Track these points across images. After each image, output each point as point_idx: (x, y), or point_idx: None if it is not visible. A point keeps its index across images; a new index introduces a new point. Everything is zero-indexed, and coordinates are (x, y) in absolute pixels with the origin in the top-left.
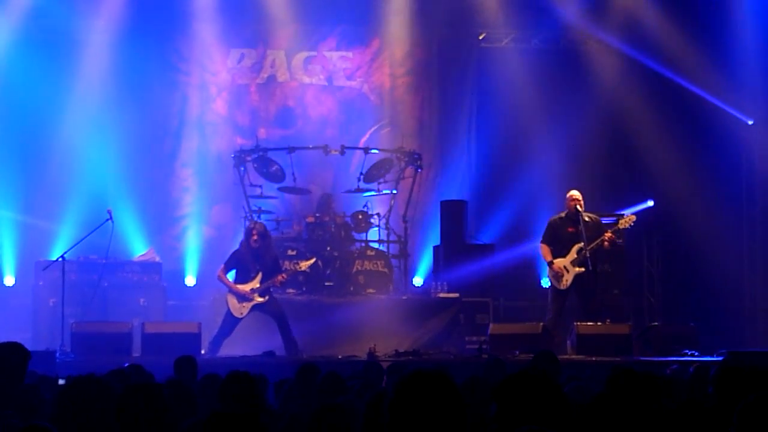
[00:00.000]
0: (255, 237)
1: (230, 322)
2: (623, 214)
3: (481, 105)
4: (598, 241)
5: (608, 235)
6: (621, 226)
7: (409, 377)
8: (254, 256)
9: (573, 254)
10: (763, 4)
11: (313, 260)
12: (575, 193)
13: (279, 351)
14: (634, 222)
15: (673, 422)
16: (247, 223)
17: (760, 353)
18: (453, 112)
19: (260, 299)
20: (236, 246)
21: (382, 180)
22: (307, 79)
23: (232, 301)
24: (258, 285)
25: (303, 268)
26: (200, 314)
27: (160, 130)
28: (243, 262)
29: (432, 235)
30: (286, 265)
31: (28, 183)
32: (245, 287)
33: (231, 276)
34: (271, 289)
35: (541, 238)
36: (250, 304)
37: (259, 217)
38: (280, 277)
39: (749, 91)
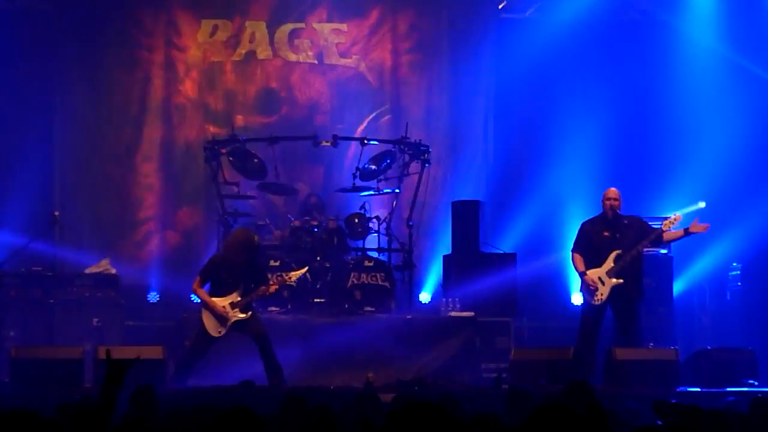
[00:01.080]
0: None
1: (204, 343)
2: (669, 217)
3: (501, 88)
4: (640, 245)
5: (667, 225)
6: (665, 227)
7: (400, 411)
8: (236, 264)
9: (610, 263)
10: None
11: (304, 270)
12: (612, 192)
13: (259, 380)
14: (680, 222)
15: None
16: (248, 233)
17: None
18: (467, 96)
19: (241, 315)
20: (213, 252)
21: (382, 177)
22: (292, 57)
23: (208, 318)
24: (239, 299)
25: (292, 281)
26: (165, 337)
27: (117, 117)
28: (221, 271)
29: (442, 242)
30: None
31: None
32: (223, 301)
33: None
34: (254, 305)
35: (572, 246)
36: (229, 322)
37: (235, 221)
38: (270, 288)
39: None
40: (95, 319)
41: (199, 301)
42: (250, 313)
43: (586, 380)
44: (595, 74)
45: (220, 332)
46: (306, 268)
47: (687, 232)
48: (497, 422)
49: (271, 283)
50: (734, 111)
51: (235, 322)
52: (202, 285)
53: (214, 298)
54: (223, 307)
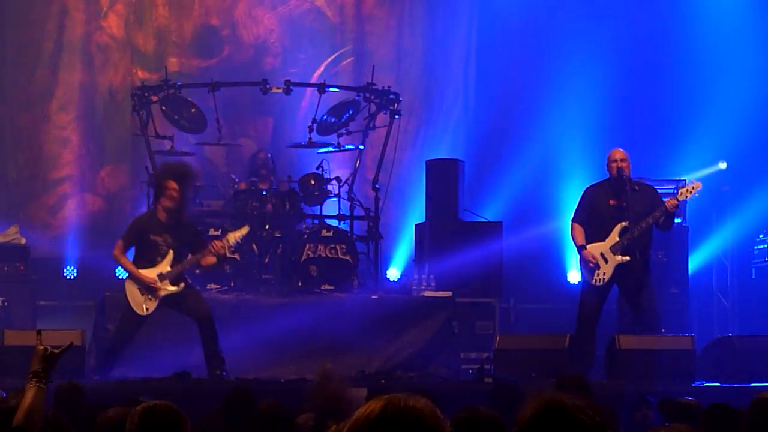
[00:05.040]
0: (171, 194)
1: (130, 324)
2: (685, 181)
3: (485, 26)
4: (650, 217)
5: (670, 202)
6: (682, 197)
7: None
8: (164, 226)
9: (614, 237)
10: None
11: (245, 229)
12: (619, 153)
13: (198, 371)
14: (700, 191)
15: None
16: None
17: None
18: (444, 36)
19: (171, 288)
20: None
21: (343, 131)
22: None
23: (133, 293)
24: (168, 268)
25: (231, 243)
26: (85, 319)
27: (27, 58)
28: (147, 236)
29: (414, 208)
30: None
31: None
32: (151, 272)
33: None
34: (190, 279)
35: (572, 215)
36: (157, 296)
37: None
38: (207, 256)
39: None
40: (1, 299)
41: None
42: (182, 285)
43: (584, 373)
44: (596, 13)
45: (147, 309)
46: (247, 227)
47: (677, 200)
48: (482, 419)
49: (209, 248)
50: (760, 55)
51: (165, 297)
52: (124, 251)
53: (141, 270)
54: (152, 278)
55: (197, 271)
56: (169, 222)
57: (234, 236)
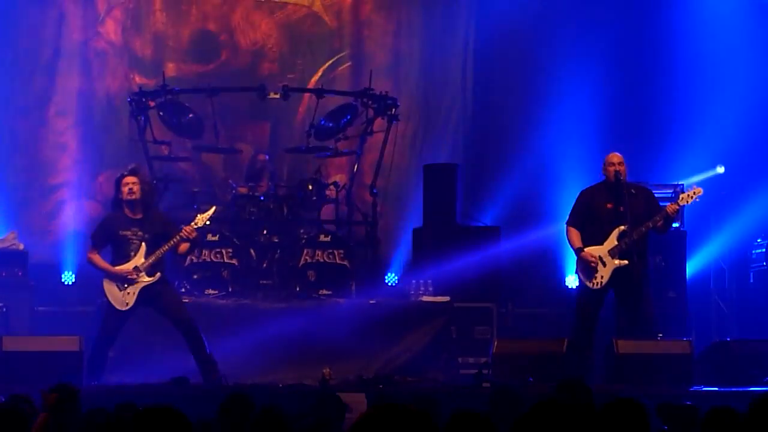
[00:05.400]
0: (130, 188)
1: (113, 322)
2: (682, 186)
3: (482, 30)
4: (650, 221)
5: (672, 207)
6: (683, 202)
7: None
8: (131, 220)
9: (612, 240)
10: None
11: (212, 209)
12: (616, 156)
13: (195, 376)
14: (701, 196)
15: None
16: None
17: None
18: (442, 41)
19: (148, 279)
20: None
21: (341, 136)
22: None
23: (111, 290)
24: (142, 260)
25: (199, 224)
26: (83, 325)
27: (25, 64)
28: (116, 233)
29: (412, 213)
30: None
31: None
32: (127, 267)
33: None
34: (182, 281)
35: (567, 218)
36: (136, 288)
37: (166, 187)
38: (180, 238)
39: None
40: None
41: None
42: (158, 275)
43: (582, 377)
44: (594, 18)
45: (127, 304)
46: (214, 207)
47: (678, 205)
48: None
49: (179, 234)
50: (759, 58)
51: (144, 292)
52: (98, 251)
53: (117, 266)
54: (127, 269)
55: (195, 276)
56: (136, 214)
57: (202, 218)
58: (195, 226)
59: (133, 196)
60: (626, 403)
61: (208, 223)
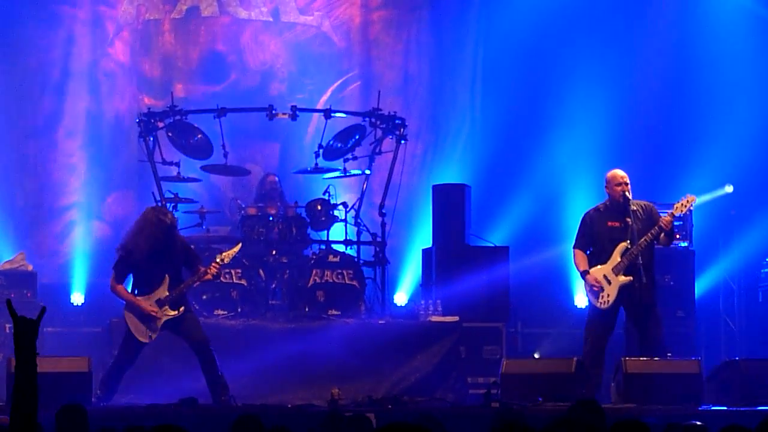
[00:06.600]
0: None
1: (132, 349)
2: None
3: (491, 51)
4: (648, 234)
5: (666, 219)
6: (677, 212)
7: None
8: (153, 251)
9: (616, 258)
10: None
11: (238, 247)
12: (619, 174)
13: (204, 397)
14: (694, 205)
15: None
16: (158, 214)
17: None
18: (450, 61)
19: (172, 313)
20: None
21: (350, 156)
22: (243, 13)
23: (133, 321)
24: (166, 293)
25: (225, 261)
26: (91, 346)
27: (34, 85)
28: (138, 264)
29: (421, 233)
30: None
31: None
32: (149, 299)
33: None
34: (191, 301)
35: (573, 242)
36: (159, 323)
37: (175, 208)
38: (209, 270)
39: None
40: (7, 325)
41: None
42: (182, 308)
43: (593, 397)
44: (601, 38)
45: (150, 337)
46: (239, 245)
47: (672, 216)
48: None
49: (203, 269)
50: (766, 78)
51: (167, 322)
52: (120, 281)
53: (139, 297)
54: (150, 305)
55: (204, 297)
56: (157, 247)
57: (228, 255)
58: (221, 263)
59: (152, 230)
60: (632, 425)
61: (226, 261)
